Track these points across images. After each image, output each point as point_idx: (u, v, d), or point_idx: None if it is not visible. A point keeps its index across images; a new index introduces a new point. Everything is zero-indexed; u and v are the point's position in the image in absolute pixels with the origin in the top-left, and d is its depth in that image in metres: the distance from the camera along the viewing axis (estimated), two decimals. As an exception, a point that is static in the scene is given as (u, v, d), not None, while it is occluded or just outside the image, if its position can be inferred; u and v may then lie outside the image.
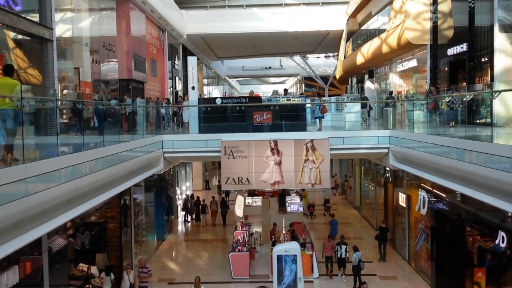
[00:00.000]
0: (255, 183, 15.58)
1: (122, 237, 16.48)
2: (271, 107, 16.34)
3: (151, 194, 20.75)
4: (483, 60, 17.39)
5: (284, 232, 18.83)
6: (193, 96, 17.09)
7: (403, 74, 25.21)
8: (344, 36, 32.94)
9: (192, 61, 17.61)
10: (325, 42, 36.74)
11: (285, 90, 18.74)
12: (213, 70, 45.89)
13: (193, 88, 16.89)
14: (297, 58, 49.65)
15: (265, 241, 20.64)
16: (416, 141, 13.25)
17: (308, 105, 18.18)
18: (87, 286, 14.24)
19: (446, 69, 20.43)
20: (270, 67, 51.11)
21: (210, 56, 41.34)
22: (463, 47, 18.59)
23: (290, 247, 14.57)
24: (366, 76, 30.71)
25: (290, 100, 18.23)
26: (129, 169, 12.55)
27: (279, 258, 14.40)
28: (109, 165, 10.89)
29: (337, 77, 36.16)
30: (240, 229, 19.91)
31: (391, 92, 20.96)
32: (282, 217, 20.55)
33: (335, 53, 42.29)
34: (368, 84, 30.09)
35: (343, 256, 16.86)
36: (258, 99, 17.98)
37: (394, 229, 20.50)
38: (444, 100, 12.53)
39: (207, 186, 34.38)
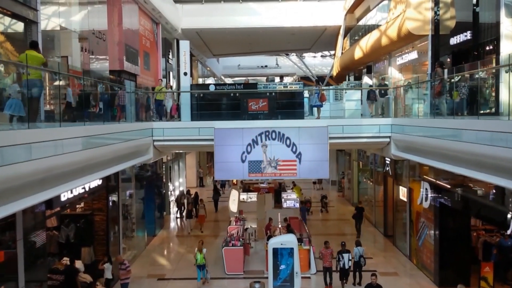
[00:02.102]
0: (248, 173, 14.67)
1: (109, 230, 15.53)
2: (267, 94, 15.42)
3: (142, 188, 19.93)
4: (488, 48, 16.56)
5: (280, 226, 17.93)
6: (185, 82, 16.19)
7: (403, 67, 24.39)
8: (341, 32, 32.14)
9: (184, 45, 16.72)
10: (322, 39, 35.93)
11: (281, 77, 17.88)
12: (208, 68, 45.02)
13: (185, 74, 15.99)
14: (294, 57, 48.85)
15: (260, 237, 19.83)
16: (422, 127, 12.38)
17: (305, 95, 17.32)
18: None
19: (448, 60, 19.60)
20: (266, 66, 50.25)
21: (206, 53, 40.44)
22: (467, 35, 17.74)
23: (287, 240, 13.66)
24: (364, 71, 29.90)
25: (287, 87, 17.38)
26: (114, 154, 11.59)
27: (275, 251, 13.45)
28: (91, 147, 9.94)
29: (334, 74, 35.32)
30: (234, 224, 19.09)
31: (383, 79, 20.04)
32: (278, 211, 19.63)
33: (332, 53, 41.45)
34: (366, 80, 29.25)
35: (347, 266, 14.66)
36: (253, 85, 17.12)
37: (394, 226, 19.71)
38: (453, 83, 11.62)
39: (201, 183, 33.50)
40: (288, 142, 14.56)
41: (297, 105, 15.95)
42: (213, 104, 15.99)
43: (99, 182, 13.98)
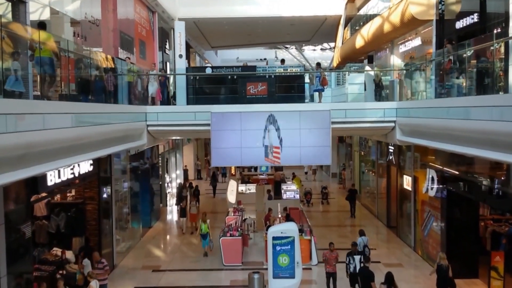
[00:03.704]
0: (247, 160, 14.05)
1: (101, 220, 14.90)
2: (267, 77, 14.80)
3: (137, 179, 19.36)
4: (496, 31, 15.94)
5: (280, 216, 17.32)
6: (180, 65, 15.53)
7: (406, 55, 23.81)
8: (342, 21, 31.53)
9: (179, 26, 16.02)
10: (322, 30, 35.29)
11: (282, 61, 17.23)
12: (206, 61, 44.36)
13: (180, 56, 15.33)
14: (293, 50, 48.19)
15: (259, 228, 19.23)
16: (429, 108, 11.72)
17: (306, 80, 16.67)
18: (60, 271, 12.60)
19: (454, 43, 18.99)
20: (265, 59, 49.57)
21: (204, 45, 39.79)
22: (474, 17, 17.12)
23: (287, 228, 12.98)
24: (366, 62, 29.30)
25: (287, 70, 16.79)
26: (104, 135, 10.91)
27: (275, 239, 12.79)
28: (79, 125, 9.28)
29: (334, 65, 34.74)
30: (232, 214, 18.52)
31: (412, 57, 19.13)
32: (278, 202, 19.03)
33: (332, 46, 40.82)
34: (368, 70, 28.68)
35: (357, 270, 12.67)
36: (252, 68, 16.47)
37: (397, 216, 19.12)
38: (465, 58, 10.95)
39: (199, 176, 32.90)
40: (287, 126, 13.87)
41: (297, 89, 15.35)
42: (210, 88, 15.42)
43: (90, 168, 13.31)
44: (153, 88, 14.74)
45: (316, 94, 15.58)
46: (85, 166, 12.89)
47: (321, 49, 50.07)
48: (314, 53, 50.24)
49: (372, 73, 27.90)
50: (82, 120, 9.44)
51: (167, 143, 24.97)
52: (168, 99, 15.87)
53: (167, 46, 29.98)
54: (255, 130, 13.85)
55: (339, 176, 31.86)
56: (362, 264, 12.68)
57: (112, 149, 11.71)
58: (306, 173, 33.79)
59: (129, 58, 17.96)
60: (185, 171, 30.24)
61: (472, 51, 10.80)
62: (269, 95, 14.96)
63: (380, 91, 16.68)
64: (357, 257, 13.00)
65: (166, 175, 25.61)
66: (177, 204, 23.08)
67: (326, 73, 16.27)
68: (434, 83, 12.98)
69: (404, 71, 15.86)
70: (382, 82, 17.70)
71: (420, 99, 13.64)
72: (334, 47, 36.14)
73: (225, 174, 30.50)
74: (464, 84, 10.85)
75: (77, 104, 9.61)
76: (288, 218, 16.59)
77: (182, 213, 20.18)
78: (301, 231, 15.42)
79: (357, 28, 28.55)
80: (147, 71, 16.90)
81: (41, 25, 9.68)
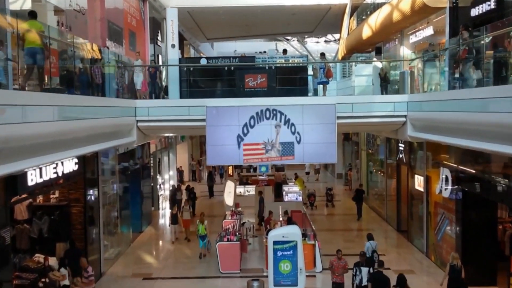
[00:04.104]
0: (245, 158, 13.92)
1: (87, 224, 14.73)
2: (266, 68, 14.70)
3: (127, 180, 19.28)
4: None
5: (281, 219, 17.19)
6: (173, 55, 15.41)
7: (417, 46, 23.66)
8: (347, 10, 31.33)
9: (171, 13, 15.88)
10: (326, 20, 35.04)
11: (285, 51, 17.05)
12: (201, 54, 44.24)
13: (173, 46, 15.23)
14: (295, 43, 48.01)
15: (259, 232, 19.17)
16: (444, 101, 11.57)
17: (309, 73, 16.53)
18: (43, 279, 12.43)
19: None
20: (265, 52, 49.45)
21: (199, 36, 39.59)
22: (490, 4, 16.95)
23: (289, 231, 12.85)
24: (373, 54, 29.14)
25: (289, 61, 16.64)
26: (90, 131, 10.77)
27: (276, 244, 12.63)
28: (62, 119, 9.13)
29: (340, 57, 34.60)
30: (229, 218, 18.43)
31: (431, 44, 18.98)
32: (279, 204, 18.90)
33: (337, 38, 40.62)
34: (375, 63, 28.52)
35: (364, 282, 12.41)
36: (250, 59, 16.33)
37: (408, 219, 18.98)
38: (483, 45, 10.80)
39: (194, 177, 32.76)
40: (289, 122, 13.76)
41: (300, 81, 15.24)
42: (205, 80, 15.30)
43: (75, 167, 13.14)
44: (138, 79, 14.58)
45: (320, 87, 15.50)
46: (70, 165, 12.72)
47: (325, 41, 49.93)
48: (317, 46, 50.10)
49: (380, 65, 27.79)
50: (65, 113, 9.33)
51: (159, 141, 24.84)
52: (157, 92, 15.71)
53: (159, 38, 29.78)
54: (254, 125, 13.72)
55: (345, 177, 31.78)
56: (370, 270, 12.56)
57: (98, 146, 11.61)
58: (307, 173, 33.57)
59: (138, 53, 17.78)
60: (180, 173, 30.09)
61: (491, 38, 10.63)
62: (269, 88, 14.84)
63: (385, 86, 16.60)
64: (364, 269, 12.67)
65: (158, 176, 25.49)
66: (170, 208, 22.78)
67: (331, 64, 16.15)
68: (448, 74, 12.84)
69: (417, 61, 15.67)
70: (388, 76, 17.57)
71: (433, 91, 13.47)
72: (339, 39, 35.96)
73: (223, 175, 30.43)
74: (481, 74, 10.68)
75: (60, 96, 9.47)
76: (290, 222, 16.46)
77: (173, 219, 19.32)
78: (304, 235, 15.25)
79: (364, 17, 28.37)
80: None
81: (31, 14, 9.70)
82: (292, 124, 13.69)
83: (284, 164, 28.49)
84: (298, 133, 13.70)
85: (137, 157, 20.85)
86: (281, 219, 17.60)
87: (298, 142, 13.70)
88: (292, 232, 12.91)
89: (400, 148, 19.43)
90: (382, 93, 16.28)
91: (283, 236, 12.66)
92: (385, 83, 16.69)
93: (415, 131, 13.84)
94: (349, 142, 32.06)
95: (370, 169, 25.59)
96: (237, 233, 16.30)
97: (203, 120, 13.88)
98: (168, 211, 23.32)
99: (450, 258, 12.36)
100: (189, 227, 19.29)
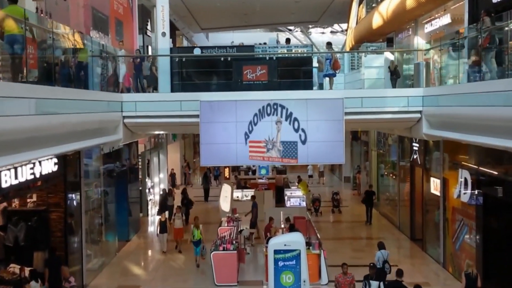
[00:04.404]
0: (243, 158, 13.96)
1: (68, 231, 14.67)
2: (267, 59, 14.70)
3: (113, 184, 19.26)
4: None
5: (283, 226, 17.18)
6: (163, 44, 15.36)
7: (433, 35, 23.62)
8: (356, -3, 31.39)
9: (162, -1, 15.79)
10: (332, 8, 35.09)
11: (288, 40, 17.06)
12: (196, 45, 44.31)
13: (163, 34, 15.13)
14: (298, 33, 48.00)
15: (258, 241, 19.17)
16: (464, 95, 11.49)
17: (314, 64, 16.48)
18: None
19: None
20: (265, 43, 49.51)
21: (192, 26, 39.60)
22: (514, -11, 16.89)
23: (292, 239, 12.77)
24: (384, 45, 29.10)
25: (292, 51, 16.62)
26: (71, 127, 10.69)
27: (277, 253, 12.56)
28: (40, 113, 9.03)
29: (347, 49, 34.59)
30: (225, 225, 18.40)
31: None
32: (281, 210, 18.91)
33: (344, 28, 40.63)
34: (386, 55, 28.50)
35: (387, 285, 12.53)
36: (249, 49, 16.29)
37: (423, 227, 18.94)
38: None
39: (186, 181, 32.74)
40: (291, 117, 13.70)
41: (304, 74, 15.23)
42: (199, 72, 15.30)
43: (54, 168, 13.05)
44: (121, 71, 14.51)
45: (327, 80, 15.48)
46: (49, 165, 12.63)
47: (331, 31, 49.98)
48: (323, 37, 50.13)
49: (392, 57, 27.74)
50: (43, 107, 9.23)
51: (148, 140, 24.76)
52: (142, 87, 15.65)
53: (148, 28, 29.74)
54: (255, 122, 13.73)
55: (353, 180, 31.80)
56: (381, 285, 12.52)
57: (80, 144, 11.54)
58: (310, 176, 33.51)
59: (122, 42, 17.69)
60: (172, 176, 30.00)
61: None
62: (270, 82, 14.85)
63: (395, 80, 16.61)
64: (374, 283, 12.66)
65: (147, 180, 25.46)
66: (159, 214, 22.08)
67: (338, 55, 16.09)
68: (468, 65, 12.79)
69: (433, 53, 15.61)
70: (398, 70, 17.56)
71: (451, 84, 13.41)
72: (346, 29, 35.93)
73: (218, 177, 30.43)
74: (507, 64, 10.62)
75: (37, 87, 9.35)
76: (292, 229, 16.37)
77: (162, 227, 18.90)
78: (308, 244, 15.25)
79: (374, 5, 28.36)
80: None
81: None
82: (295, 120, 13.59)
83: (286, 166, 28.53)
84: (303, 130, 13.60)
85: (124, 158, 20.81)
86: (282, 226, 17.54)
87: (303, 141, 13.60)
88: (295, 240, 12.82)
89: (414, 148, 19.38)
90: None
91: (284, 245, 12.59)
92: (395, 78, 16.70)
93: (431, 129, 13.80)
94: (357, 141, 32.06)
95: (381, 171, 25.61)
96: (234, 242, 16.22)
97: (197, 116, 13.80)
98: (158, 218, 23.09)
99: (465, 266, 12.46)
100: (182, 237, 18.98)
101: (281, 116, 13.64)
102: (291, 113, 13.65)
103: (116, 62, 14.79)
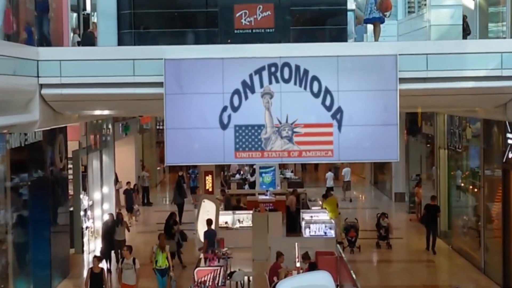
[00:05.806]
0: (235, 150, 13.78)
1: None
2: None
3: (25, 202, 19.39)
4: None
5: (299, 265, 17.48)
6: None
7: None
8: None
9: None
10: None
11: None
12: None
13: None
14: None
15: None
16: None
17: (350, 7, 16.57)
18: None
19: None
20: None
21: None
22: None
23: (313, 283, 12.50)
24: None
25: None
26: None
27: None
28: None
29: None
30: (206, 263, 18.57)
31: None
32: (295, 241, 19.24)
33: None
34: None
35: None
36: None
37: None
38: None
39: (146, 199, 32.91)
40: (316, 87, 13.50)
41: (333, 16, 15.22)
42: (164, 14, 15.46)
43: None
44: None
45: (370, 28, 15.82)
46: None
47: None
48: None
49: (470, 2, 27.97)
50: None
51: (84, 134, 24.68)
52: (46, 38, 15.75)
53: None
54: (251, 94, 13.61)
55: (410, 198, 31.99)
56: None
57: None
58: (330, 189, 32.39)
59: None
60: (128, 193, 29.82)
61: None
62: (277, 29, 14.98)
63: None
64: None
65: (82, 196, 25.62)
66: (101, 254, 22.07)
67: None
68: None
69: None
70: (469, 25, 18.00)
71: None
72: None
73: (195, 189, 30.27)
74: None
75: None
76: (313, 270, 16.57)
77: (95, 283, 18.24)
78: (338, 293, 15.24)
79: None
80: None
81: None
82: (321, 91, 13.45)
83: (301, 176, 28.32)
84: (330, 106, 13.40)
85: (44, 160, 20.90)
86: (298, 265, 17.69)
87: (332, 122, 13.35)
88: (319, 284, 12.46)
89: (510, 141, 19.25)
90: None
91: (302, 292, 12.32)
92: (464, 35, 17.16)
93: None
94: (416, 137, 32.15)
95: (456, 181, 25.49)
96: (218, 291, 16.46)
97: (160, 84, 13.66)
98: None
99: None
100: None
101: (300, 84, 13.44)
102: (315, 79, 13.48)
103: None
